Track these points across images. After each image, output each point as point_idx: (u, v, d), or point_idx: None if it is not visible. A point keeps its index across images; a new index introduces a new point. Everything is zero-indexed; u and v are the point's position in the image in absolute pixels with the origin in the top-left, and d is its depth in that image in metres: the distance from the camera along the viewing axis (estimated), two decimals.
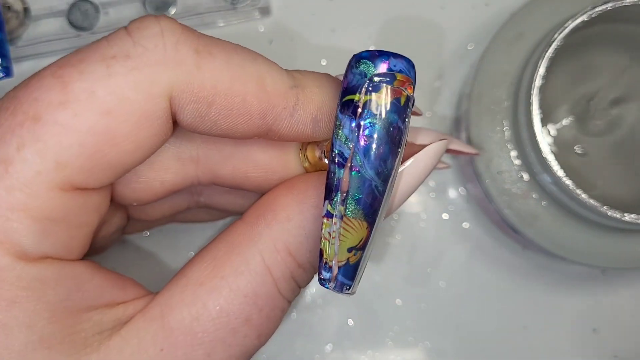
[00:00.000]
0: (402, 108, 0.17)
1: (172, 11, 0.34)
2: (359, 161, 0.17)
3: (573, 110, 0.32)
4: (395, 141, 0.17)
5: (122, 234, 0.26)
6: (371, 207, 0.18)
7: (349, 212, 0.18)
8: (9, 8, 0.34)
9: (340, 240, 0.18)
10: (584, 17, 0.27)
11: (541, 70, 0.27)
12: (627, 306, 0.34)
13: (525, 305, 0.34)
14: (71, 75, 0.17)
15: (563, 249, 0.30)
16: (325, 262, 0.18)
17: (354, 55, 0.18)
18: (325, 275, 0.18)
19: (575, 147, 0.32)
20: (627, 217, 0.27)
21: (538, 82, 0.27)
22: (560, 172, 0.27)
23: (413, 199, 0.34)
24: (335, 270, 0.18)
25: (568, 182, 0.27)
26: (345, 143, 0.17)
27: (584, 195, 0.27)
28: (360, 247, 0.18)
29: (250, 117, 0.18)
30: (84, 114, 0.17)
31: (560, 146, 0.32)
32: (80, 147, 0.17)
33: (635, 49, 0.32)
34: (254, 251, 0.19)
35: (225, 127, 0.18)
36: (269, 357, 0.34)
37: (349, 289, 0.18)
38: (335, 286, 0.18)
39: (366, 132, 0.17)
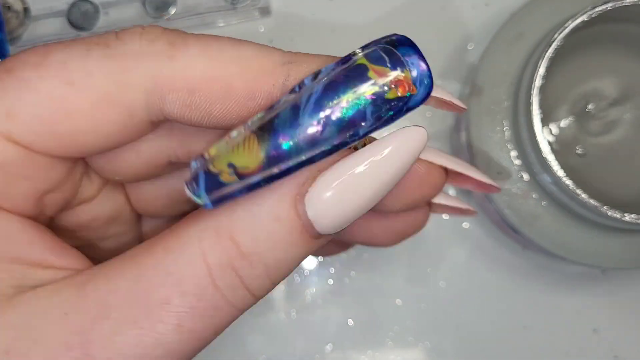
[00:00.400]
0: (383, 99, 0.16)
1: (172, 11, 0.34)
2: (304, 100, 0.16)
3: (573, 110, 0.32)
4: (351, 121, 0.16)
5: (139, 237, 0.26)
6: (276, 148, 0.16)
7: (256, 130, 0.16)
8: (9, 8, 0.34)
9: (230, 149, 0.16)
10: (584, 17, 0.27)
11: (541, 70, 0.27)
12: (627, 306, 0.34)
13: (525, 305, 0.34)
14: (55, 48, 0.18)
15: (563, 249, 0.30)
16: (203, 155, 0.16)
17: (397, 36, 0.17)
18: (193, 164, 0.16)
19: (575, 147, 0.32)
20: (627, 217, 0.27)
21: (538, 82, 0.27)
22: (560, 172, 0.27)
23: None
24: (202, 168, 0.16)
25: (568, 182, 0.27)
26: (313, 81, 0.16)
27: (584, 195, 0.27)
28: (239, 175, 0.16)
29: (239, 99, 0.18)
30: (49, 78, 0.17)
31: (561, 146, 0.32)
32: (35, 107, 0.17)
33: (635, 49, 0.32)
34: (191, 232, 0.17)
35: (218, 115, 0.18)
36: (269, 357, 0.34)
37: (196, 196, 0.16)
38: (189, 183, 0.16)
39: (335, 83, 0.16)
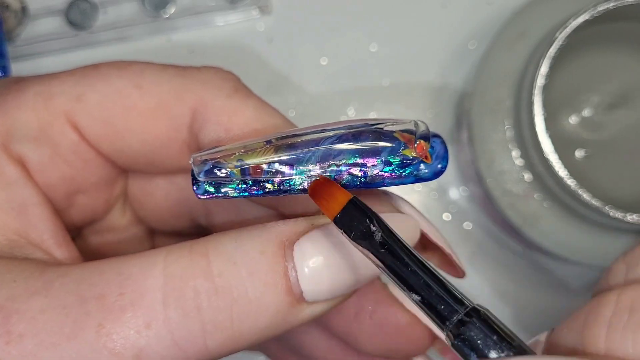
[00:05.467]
0: (399, 152, 0.17)
1: (171, 10, 0.34)
2: (328, 134, 0.17)
3: (575, 109, 0.32)
4: (364, 157, 0.16)
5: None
6: (289, 156, 0.16)
7: (276, 142, 0.17)
8: (7, 7, 0.34)
9: (245, 153, 0.16)
10: (587, 16, 0.27)
11: (543, 69, 0.27)
12: None
13: (527, 306, 0.34)
14: (139, 61, 0.20)
15: (565, 250, 0.30)
16: (217, 147, 0.17)
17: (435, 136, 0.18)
18: (201, 153, 0.17)
19: (577, 147, 0.32)
20: (630, 217, 0.27)
21: (540, 81, 0.27)
22: (562, 172, 0.27)
23: (414, 199, 0.34)
24: (208, 158, 0.17)
25: (570, 182, 0.27)
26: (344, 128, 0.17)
27: (586, 196, 0.27)
28: (244, 170, 0.16)
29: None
30: (124, 78, 0.19)
31: (562, 146, 0.32)
32: (103, 97, 0.19)
33: (637, 48, 0.31)
34: (166, 248, 0.16)
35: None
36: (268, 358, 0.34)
37: (196, 185, 0.17)
38: (194, 169, 0.17)
39: (362, 132, 0.17)
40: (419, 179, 0.17)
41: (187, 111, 0.19)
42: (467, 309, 0.14)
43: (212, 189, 0.17)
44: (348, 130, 0.17)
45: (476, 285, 0.34)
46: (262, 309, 0.16)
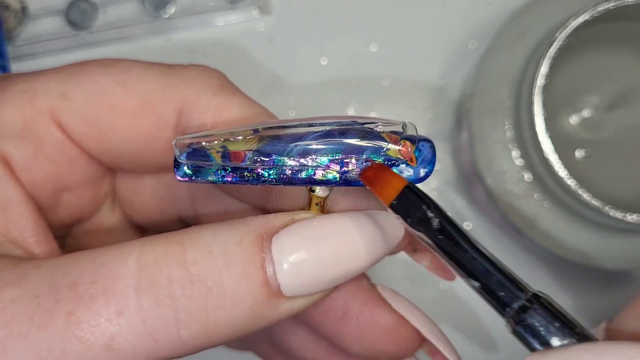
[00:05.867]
0: (383, 151, 0.16)
1: (171, 10, 0.34)
2: (316, 130, 0.17)
3: (575, 109, 0.32)
4: (346, 152, 0.16)
5: None
6: (271, 147, 0.16)
7: (262, 132, 0.16)
8: (7, 7, 0.34)
9: (230, 141, 0.16)
10: (587, 16, 0.27)
11: (543, 69, 0.27)
12: None
13: None
14: (126, 59, 0.20)
15: (565, 250, 0.30)
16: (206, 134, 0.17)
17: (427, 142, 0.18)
18: (183, 137, 0.17)
19: (577, 147, 0.32)
20: (630, 217, 0.27)
21: (540, 81, 0.27)
22: (562, 172, 0.27)
23: None
24: (192, 142, 0.16)
25: (570, 182, 0.27)
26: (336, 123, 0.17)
27: (586, 196, 0.27)
28: (225, 155, 0.16)
29: None
30: (109, 75, 0.19)
31: (562, 146, 0.32)
32: (87, 95, 0.19)
33: (637, 48, 0.31)
34: (142, 239, 0.16)
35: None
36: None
37: (177, 168, 0.17)
38: (176, 151, 0.17)
39: (349, 130, 0.17)
40: None
41: (172, 110, 0.19)
42: (529, 295, 0.14)
43: (191, 172, 0.17)
44: (335, 127, 0.17)
45: None
46: (238, 300, 0.15)
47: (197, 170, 0.17)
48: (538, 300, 0.14)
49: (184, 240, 0.16)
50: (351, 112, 0.35)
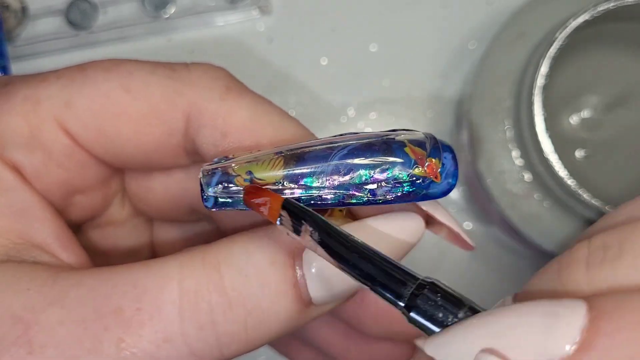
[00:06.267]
0: (409, 172, 0.16)
1: (171, 10, 0.34)
2: (339, 147, 0.16)
3: (575, 109, 0.32)
4: (373, 178, 0.16)
5: (152, 251, 0.25)
6: (298, 172, 0.16)
7: (286, 154, 0.17)
8: (7, 7, 0.34)
9: (254, 163, 0.16)
10: (586, 16, 0.27)
11: (543, 69, 0.27)
12: None
13: None
14: (128, 60, 0.19)
15: (565, 250, 0.30)
16: (227, 157, 0.17)
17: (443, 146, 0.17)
18: (211, 165, 0.17)
19: (577, 147, 0.32)
20: None
21: (540, 81, 0.27)
22: (562, 172, 0.27)
23: None
24: (221, 169, 0.17)
25: (570, 182, 0.27)
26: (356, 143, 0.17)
27: (586, 196, 0.27)
28: (251, 183, 0.16)
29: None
30: (112, 81, 0.19)
31: (562, 146, 0.32)
32: (91, 102, 0.19)
33: (637, 48, 0.31)
34: (178, 257, 0.17)
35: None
36: (269, 358, 0.34)
37: (206, 198, 0.17)
38: (205, 173, 0.17)
39: (372, 145, 0.16)
40: (426, 197, 0.17)
41: (180, 116, 0.19)
42: (417, 282, 0.14)
43: (221, 201, 0.17)
44: (358, 141, 0.17)
45: (476, 285, 0.34)
46: (274, 317, 0.17)
47: (226, 199, 0.17)
48: (427, 286, 0.14)
49: (219, 263, 0.16)
50: (351, 112, 0.35)
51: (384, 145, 0.16)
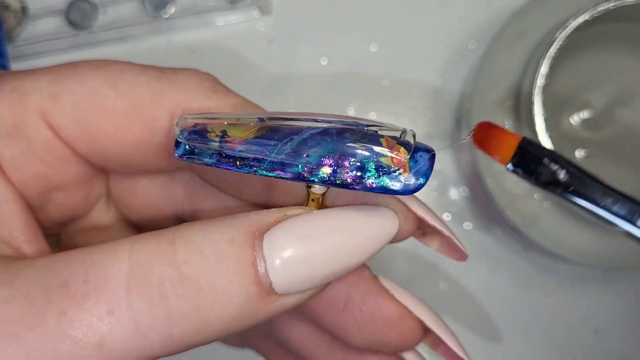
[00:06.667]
0: (377, 158, 0.16)
1: (171, 10, 0.34)
2: (315, 125, 0.16)
3: (575, 109, 0.32)
4: (340, 154, 0.16)
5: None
6: (268, 138, 0.16)
7: (265, 121, 0.16)
8: (7, 7, 0.34)
9: (232, 126, 0.16)
10: (587, 16, 0.27)
11: (543, 69, 0.27)
12: (629, 307, 0.34)
13: (527, 306, 0.34)
14: (119, 61, 0.20)
15: (564, 250, 0.30)
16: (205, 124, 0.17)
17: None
18: (189, 115, 0.17)
19: (577, 147, 0.32)
20: None
21: (540, 81, 0.27)
22: None
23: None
24: (196, 122, 0.17)
25: None
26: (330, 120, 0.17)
27: None
28: (223, 140, 0.16)
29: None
30: (100, 77, 0.19)
31: (562, 146, 0.32)
32: (77, 97, 0.19)
33: (637, 48, 0.31)
34: (133, 237, 0.16)
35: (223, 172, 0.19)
36: None
37: (177, 145, 0.17)
38: (176, 128, 0.17)
39: (348, 130, 0.16)
40: (389, 190, 0.16)
41: (164, 115, 0.19)
42: None
43: (189, 152, 0.17)
44: (336, 126, 0.16)
45: (476, 285, 0.34)
46: (230, 299, 0.15)
47: (194, 151, 0.17)
48: None
49: (175, 238, 0.16)
50: (351, 112, 0.35)
51: (359, 130, 0.16)
